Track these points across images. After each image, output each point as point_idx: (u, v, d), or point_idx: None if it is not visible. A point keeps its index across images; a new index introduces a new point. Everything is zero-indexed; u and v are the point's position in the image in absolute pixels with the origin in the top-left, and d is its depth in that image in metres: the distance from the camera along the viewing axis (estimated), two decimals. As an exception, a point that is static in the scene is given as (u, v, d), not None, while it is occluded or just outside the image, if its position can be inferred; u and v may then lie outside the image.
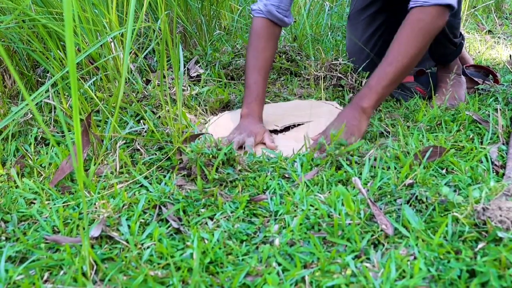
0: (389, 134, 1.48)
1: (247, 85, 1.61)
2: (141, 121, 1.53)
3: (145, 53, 1.99)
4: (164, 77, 1.38)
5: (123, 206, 1.09)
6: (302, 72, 2.06)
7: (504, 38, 2.84)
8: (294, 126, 1.60)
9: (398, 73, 1.38)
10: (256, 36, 1.63)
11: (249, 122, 1.53)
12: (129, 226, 1.01)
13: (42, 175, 1.27)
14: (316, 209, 1.04)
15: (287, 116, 1.66)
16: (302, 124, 1.60)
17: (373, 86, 1.39)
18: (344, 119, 1.38)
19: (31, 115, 1.56)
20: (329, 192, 1.13)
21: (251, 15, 1.64)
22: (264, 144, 1.48)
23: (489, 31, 3.03)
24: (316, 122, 1.58)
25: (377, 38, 1.94)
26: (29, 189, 1.20)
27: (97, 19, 1.53)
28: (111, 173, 1.26)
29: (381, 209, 1.04)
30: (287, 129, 1.60)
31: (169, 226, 1.02)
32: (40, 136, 1.49)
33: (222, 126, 1.59)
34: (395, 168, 1.22)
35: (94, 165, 1.27)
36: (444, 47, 1.71)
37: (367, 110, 1.39)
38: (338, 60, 2.01)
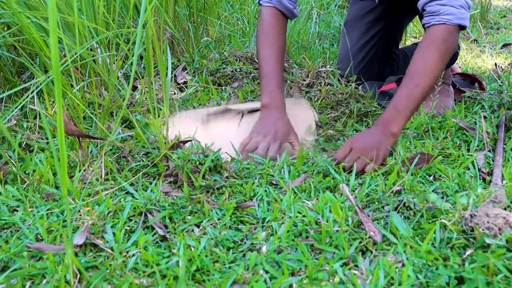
0: (377, 141, 1.48)
1: (265, 74, 1.51)
2: (129, 127, 1.51)
3: (132, 60, 1.97)
4: (151, 83, 1.38)
5: (108, 213, 1.08)
6: (289, 79, 2.06)
7: (490, 47, 2.87)
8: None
9: (425, 94, 1.34)
10: (267, 25, 1.57)
11: (273, 118, 1.45)
12: (114, 234, 0.99)
13: (26, 182, 1.24)
14: (304, 216, 1.03)
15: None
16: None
17: (402, 110, 1.33)
18: (373, 141, 1.32)
19: (15, 121, 1.53)
20: (317, 199, 1.12)
21: (259, 4, 1.60)
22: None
23: (475, 40, 3.06)
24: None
25: (371, 46, 1.97)
26: (12, 196, 1.18)
27: (83, 24, 1.52)
28: (96, 179, 1.24)
29: (369, 216, 1.03)
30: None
31: (155, 234, 1.00)
32: (24, 142, 1.46)
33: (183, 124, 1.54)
34: (383, 175, 1.22)
35: (79, 171, 1.25)
36: None
37: (397, 134, 1.34)
38: (325, 67, 2.02)
